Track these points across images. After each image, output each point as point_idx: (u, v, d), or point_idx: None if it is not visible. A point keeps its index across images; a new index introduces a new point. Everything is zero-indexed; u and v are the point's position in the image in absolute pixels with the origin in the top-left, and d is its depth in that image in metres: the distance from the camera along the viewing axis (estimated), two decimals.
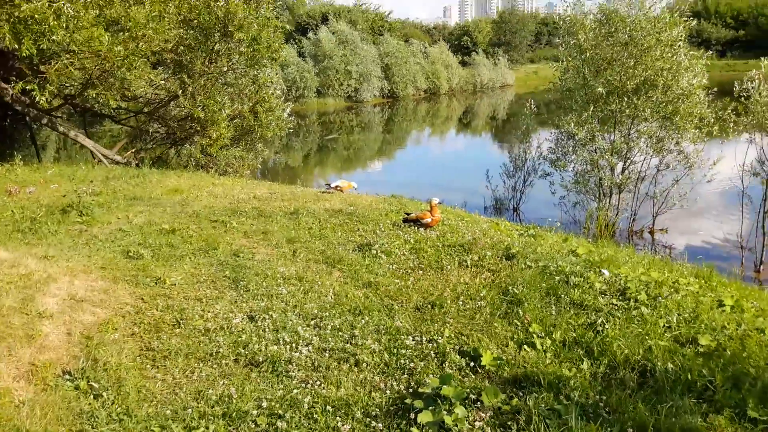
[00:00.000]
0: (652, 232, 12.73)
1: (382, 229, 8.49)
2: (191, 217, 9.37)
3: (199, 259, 7.33)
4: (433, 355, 4.99)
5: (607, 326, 5.28)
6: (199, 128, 15.36)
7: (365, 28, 60.84)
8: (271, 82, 16.84)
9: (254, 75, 16.08)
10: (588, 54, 11.83)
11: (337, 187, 11.44)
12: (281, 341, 5.29)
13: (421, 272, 6.80)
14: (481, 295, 6.02)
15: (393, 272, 6.87)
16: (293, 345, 5.24)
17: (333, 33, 52.48)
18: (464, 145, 34.96)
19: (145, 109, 16.99)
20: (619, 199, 12.66)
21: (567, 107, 12.72)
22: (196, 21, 14.62)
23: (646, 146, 12.06)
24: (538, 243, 8.08)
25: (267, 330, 5.51)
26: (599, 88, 11.56)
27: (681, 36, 11.44)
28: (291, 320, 5.67)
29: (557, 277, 6.31)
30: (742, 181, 11.05)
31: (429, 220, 8.37)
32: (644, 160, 12.40)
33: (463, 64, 67.78)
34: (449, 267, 6.88)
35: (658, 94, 11.63)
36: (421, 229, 8.33)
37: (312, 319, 5.73)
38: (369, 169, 27.15)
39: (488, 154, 30.50)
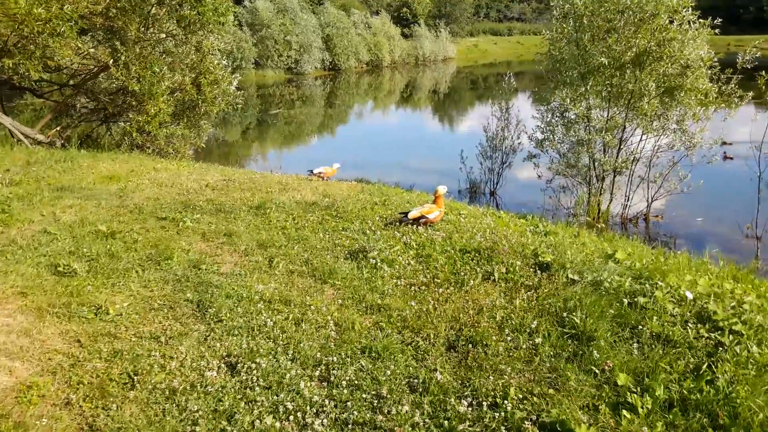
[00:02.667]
0: (647, 219, 11.66)
1: (372, 229, 7.03)
2: (133, 213, 7.70)
3: (149, 274, 5.73)
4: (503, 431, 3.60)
5: (718, 375, 3.98)
6: (134, 103, 13.45)
7: None
8: (218, 50, 14.95)
9: (197, 42, 14.20)
10: (585, 20, 10.54)
11: (319, 173, 9.89)
12: (280, 409, 3.79)
13: (438, 290, 5.38)
14: (531, 326, 4.65)
15: (403, 290, 5.43)
16: (299, 415, 3.75)
17: (271, 1, 49.97)
18: (414, 121, 33.52)
19: (72, 82, 14.89)
20: (613, 183, 11.51)
21: (560, 80, 11.44)
22: None
23: (646, 124, 10.89)
24: (558, 242, 6.77)
25: (256, 387, 4.00)
26: (602, 58, 10.30)
27: (686, 1, 10.27)
28: (287, 370, 4.18)
29: (623, 299, 4.99)
30: (758, 164, 10.03)
31: (436, 214, 6.97)
32: (642, 140, 11.26)
33: (405, 36, 66.06)
34: (472, 282, 5.48)
35: (665, 66, 10.47)
36: (420, 228, 6.92)
37: (315, 367, 4.26)
38: (314, 146, 25.44)
39: (440, 129, 29.21)
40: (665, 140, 11.19)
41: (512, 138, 13.70)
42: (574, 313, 4.71)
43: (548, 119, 12.15)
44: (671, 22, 10.47)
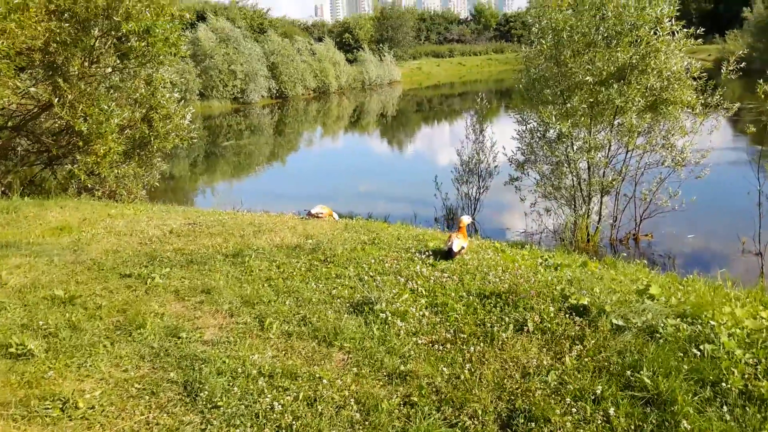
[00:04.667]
0: (636, 239, 11.16)
1: (371, 274, 6.25)
2: (92, 270, 6.75)
3: (120, 348, 4.82)
4: None
5: None
6: (81, 143, 12.38)
7: (245, 26, 57.44)
8: (170, 83, 14.00)
9: (147, 75, 13.24)
10: (564, 35, 10.01)
11: (317, 214, 9.09)
12: None
13: (467, 348, 4.61)
14: (595, 391, 3.92)
15: (425, 350, 4.65)
16: None
17: (213, 31, 48.92)
18: (367, 146, 32.88)
19: (10, 123, 13.72)
20: (601, 204, 10.98)
21: (541, 99, 10.87)
22: (70, 11, 11.67)
23: (632, 140, 10.40)
24: (577, 278, 6.10)
25: None
26: (587, 77, 9.77)
27: (670, 12, 9.85)
28: None
29: (688, 348, 4.31)
30: (758, 179, 9.61)
31: (467, 245, 6.83)
32: (627, 157, 10.77)
33: (350, 61, 65.70)
34: (504, 336, 4.74)
35: (651, 80, 10.01)
36: (425, 270, 6.17)
37: None
38: (268, 177, 24.45)
39: (396, 154, 28.61)
40: (653, 157, 10.73)
41: (488, 161, 13.11)
42: (639, 371, 4.00)
43: (528, 140, 11.59)
44: (655, 32, 10.05)
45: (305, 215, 9.25)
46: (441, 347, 4.68)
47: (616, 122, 10.49)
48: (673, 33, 10.04)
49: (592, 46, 10.06)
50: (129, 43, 12.40)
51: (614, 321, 4.76)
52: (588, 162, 10.45)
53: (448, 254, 6.72)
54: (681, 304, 5.31)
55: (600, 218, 10.91)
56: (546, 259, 7.06)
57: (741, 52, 10.08)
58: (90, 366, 4.54)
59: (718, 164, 10.53)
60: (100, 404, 4.04)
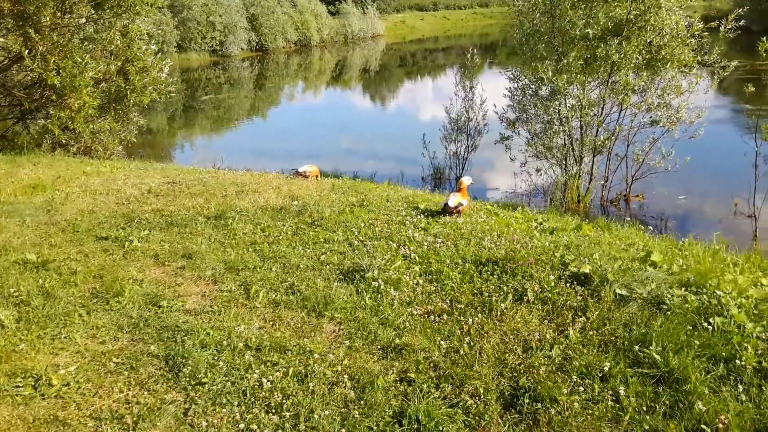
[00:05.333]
0: (627, 200, 10.95)
1: (361, 239, 5.98)
2: (66, 232, 6.43)
3: (97, 318, 4.55)
4: None
5: None
6: (54, 97, 11.89)
7: None
8: (147, 34, 13.42)
9: (122, 27, 12.67)
10: None
11: (304, 172, 8.77)
12: None
13: (465, 320, 4.38)
14: (602, 368, 3.71)
15: (421, 321, 4.41)
16: None
17: None
18: (351, 101, 32.26)
19: None
20: (592, 164, 10.73)
21: (535, 55, 10.49)
22: None
23: (626, 99, 10.09)
24: (574, 243, 5.89)
25: None
26: (588, 30, 9.39)
27: None
28: None
29: (697, 321, 4.11)
30: (755, 139, 9.38)
31: (466, 203, 6.78)
32: (621, 116, 10.49)
33: (332, 14, 64.24)
34: (503, 306, 4.51)
35: (650, 36, 9.68)
36: (417, 235, 5.92)
37: None
38: (248, 132, 23.83)
39: (380, 110, 28.09)
40: (648, 116, 10.46)
41: (477, 119, 12.77)
42: (648, 346, 3.80)
43: (519, 98, 11.25)
44: None
45: (292, 174, 8.93)
46: (437, 318, 4.44)
47: (610, 80, 10.17)
48: None
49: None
50: None
51: (618, 291, 4.55)
52: (581, 121, 10.17)
53: (444, 210, 6.60)
54: (683, 271, 5.12)
55: (591, 179, 10.67)
56: (541, 223, 6.83)
57: (740, 10, 9.76)
58: (65, 338, 4.27)
59: (712, 125, 10.29)
60: (76, 381, 3.78)
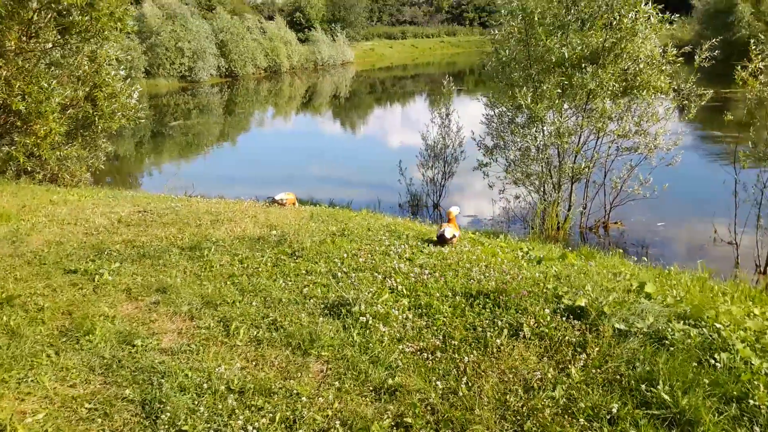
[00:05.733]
0: (606, 227, 10.88)
1: (344, 270, 5.76)
2: (33, 265, 6.10)
3: (67, 359, 4.24)
4: None
5: None
6: (19, 123, 11.51)
7: (193, 3, 55.62)
8: (116, 60, 13.12)
9: (91, 52, 12.36)
10: (536, 16, 9.56)
11: (281, 200, 8.55)
12: None
13: (461, 358, 4.17)
14: (610, 409, 3.51)
15: (414, 360, 4.19)
16: None
17: (159, 7, 47.18)
18: (321, 128, 32.07)
19: None
20: (571, 191, 10.66)
21: (511, 83, 10.42)
22: None
23: (603, 126, 10.06)
24: (564, 273, 5.74)
25: None
26: (564, 52, 9.31)
27: None
28: None
29: (702, 357, 3.95)
30: (734, 166, 9.38)
31: (458, 234, 6.75)
32: (598, 143, 10.45)
33: (301, 41, 64.28)
34: (499, 342, 4.31)
35: (625, 64, 9.68)
36: (403, 265, 5.71)
37: None
38: (218, 159, 23.41)
39: (352, 137, 27.92)
40: (625, 143, 10.45)
41: (453, 146, 12.67)
42: (655, 386, 3.63)
43: (496, 125, 11.17)
44: (631, 15, 9.69)
45: (268, 202, 8.70)
46: (431, 356, 4.22)
47: (587, 107, 10.15)
48: (650, 16, 9.72)
49: (565, 27, 9.65)
50: (71, 17, 11.53)
51: (616, 325, 4.38)
52: (558, 149, 10.11)
53: (439, 240, 6.58)
54: (678, 303, 4.98)
55: (570, 206, 10.59)
56: (527, 252, 6.68)
57: (714, 40, 9.84)
58: (32, 381, 3.96)
59: (690, 152, 10.32)
60: (44, 430, 3.48)
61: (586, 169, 10.21)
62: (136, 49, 42.98)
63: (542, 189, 10.75)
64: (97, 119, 12.75)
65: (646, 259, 9.30)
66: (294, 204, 8.74)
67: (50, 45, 12.11)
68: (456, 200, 13.25)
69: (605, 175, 10.86)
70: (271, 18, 66.72)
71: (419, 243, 6.58)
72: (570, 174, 10.22)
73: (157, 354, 4.35)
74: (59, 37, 12.03)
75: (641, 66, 9.77)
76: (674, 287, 5.96)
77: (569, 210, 10.55)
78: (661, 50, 9.85)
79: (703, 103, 10.22)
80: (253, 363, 4.23)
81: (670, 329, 4.26)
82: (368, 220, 7.87)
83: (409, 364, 4.12)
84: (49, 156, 11.66)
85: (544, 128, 10.11)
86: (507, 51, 10.11)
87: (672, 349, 4.05)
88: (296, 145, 24.64)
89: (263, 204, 8.83)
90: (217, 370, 4.09)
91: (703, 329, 4.39)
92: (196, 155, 24.53)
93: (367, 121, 33.66)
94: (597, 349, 4.15)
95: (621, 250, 9.00)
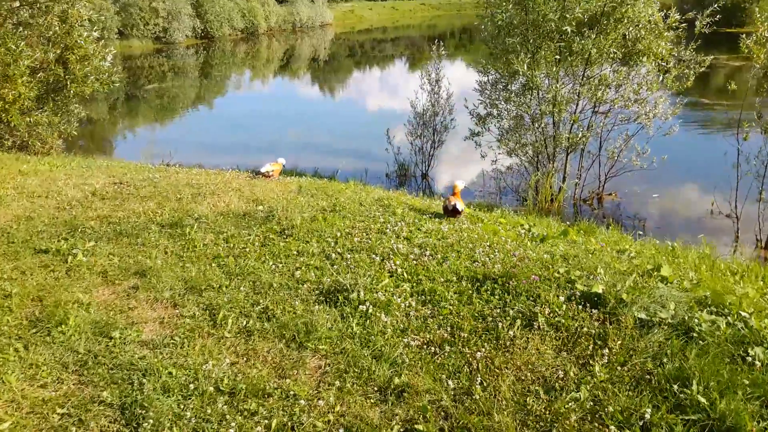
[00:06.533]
0: (600, 198, 10.56)
1: (339, 251, 5.37)
2: (0, 243, 5.62)
3: (36, 354, 3.84)
4: None
5: None
6: None
7: None
8: (89, 20, 12.43)
9: (62, 11, 11.68)
10: None
11: (267, 172, 8.12)
12: None
13: (471, 352, 3.83)
14: (643, 415, 3.18)
15: (420, 355, 3.83)
16: None
17: None
18: (302, 92, 31.32)
19: None
20: (566, 162, 10.28)
21: (507, 48, 9.94)
22: None
23: (603, 94, 9.66)
24: (571, 252, 5.41)
25: None
26: (566, 27, 8.86)
27: None
28: None
29: (734, 352, 3.64)
30: (737, 137, 9.06)
31: (462, 208, 6.54)
32: (595, 112, 10.05)
33: (279, 1, 62.88)
34: (512, 333, 3.97)
35: (625, 29, 9.25)
36: (401, 246, 5.33)
37: None
38: (197, 124, 22.66)
39: (341, 104, 27.20)
40: (623, 112, 10.06)
41: (444, 113, 12.21)
42: (688, 386, 3.31)
43: (489, 93, 10.73)
44: None
45: (253, 175, 8.27)
46: (438, 350, 3.87)
47: (585, 74, 9.72)
48: None
49: None
50: None
51: (637, 314, 4.06)
52: (554, 117, 9.71)
53: (451, 213, 6.48)
54: (695, 287, 4.68)
55: (565, 177, 10.23)
56: (529, 229, 6.35)
57: (716, 5, 9.42)
58: None
59: (677, 120, 9.98)
60: None
61: (583, 139, 9.83)
62: (108, 9, 41.65)
63: (536, 160, 10.38)
64: (68, 83, 12.15)
65: (642, 233, 9.06)
66: (280, 172, 8.34)
67: (18, 4, 11.43)
68: (445, 170, 12.86)
69: (600, 146, 10.51)
70: None
71: (416, 220, 6.21)
72: (566, 144, 9.84)
73: (137, 348, 3.95)
74: None
75: (642, 32, 9.34)
76: (682, 266, 5.68)
77: (563, 181, 10.20)
78: (663, 15, 9.41)
79: (702, 69, 9.87)
80: (244, 358, 3.85)
81: (696, 320, 3.94)
82: (359, 193, 7.47)
83: (416, 360, 3.76)
84: (18, 122, 11.07)
85: (540, 93, 9.68)
86: (504, 15, 9.62)
87: (701, 342, 3.74)
88: (276, 110, 24.02)
89: (246, 175, 8.38)
90: (204, 367, 3.71)
91: (728, 318, 4.09)
92: (172, 120, 23.81)
93: (348, 86, 33.00)
94: (619, 342, 3.82)
95: (615, 223, 8.75)
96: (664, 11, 9.44)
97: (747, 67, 24.49)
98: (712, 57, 9.87)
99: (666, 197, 10.46)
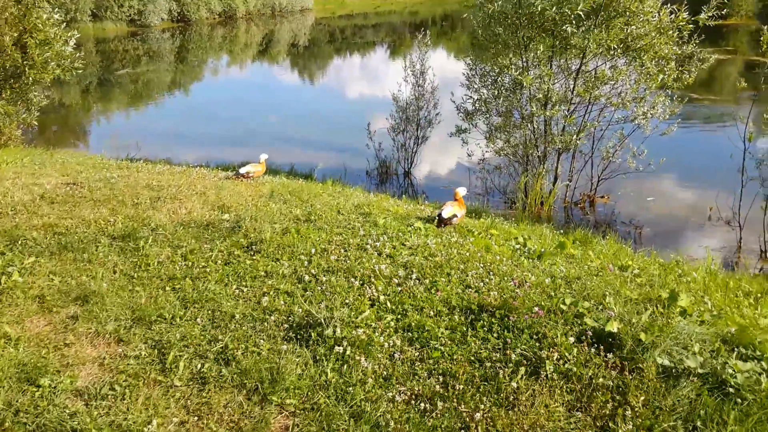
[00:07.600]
0: (593, 201, 9.96)
1: (313, 272, 4.71)
2: None
3: None
4: None
5: None
6: None
7: None
8: (47, 2, 11.58)
9: None
10: None
11: (247, 174, 7.49)
12: None
13: (469, 411, 3.21)
14: None
15: (409, 413, 3.22)
16: None
17: None
18: (283, 81, 30.39)
19: None
20: (557, 163, 9.66)
21: (498, 41, 9.27)
22: None
23: (600, 94, 9.03)
24: (573, 274, 4.81)
25: None
26: (566, 26, 8.13)
27: None
28: None
29: None
30: (744, 139, 8.48)
31: (463, 213, 6.16)
32: (588, 110, 9.43)
33: None
34: (514, 384, 3.36)
35: (630, 24, 8.61)
36: (383, 266, 4.69)
37: None
38: (168, 112, 21.69)
39: (320, 93, 26.36)
40: (619, 113, 9.45)
41: (428, 108, 11.52)
42: None
43: (477, 86, 10.05)
44: None
45: (233, 177, 7.60)
46: (429, 406, 3.25)
47: (581, 68, 9.09)
48: None
49: None
50: None
51: (660, 361, 3.47)
52: (545, 116, 9.07)
53: (438, 222, 5.94)
54: (716, 319, 4.12)
55: (556, 179, 9.62)
56: (524, 243, 5.74)
57: None
58: None
59: (678, 118, 9.42)
60: None
61: (580, 140, 9.19)
62: None
63: (526, 160, 9.76)
64: (27, 69, 11.29)
65: (639, 241, 8.52)
66: (261, 174, 7.73)
67: None
68: (428, 169, 12.21)
69: (593, 146, 9.90)
70: None
71: (399, 233, 5.56)
72: (558, 145, 9.21)
73: (69, 399, 3.30)
74: None
75: (646, 28, 8.68)
76: (693, 288, 5.13)
77: (554, 184, 9.59)
78: (670, 12, 8.77)
79: (703, 67, 9.31)
80: (196, 416, 3.21)
81: (730, 369, 3.36)
82: (337, 198, 6.82)
83: (402, 421, 3.14)
84: None
85: (531, 91, 9.05)
86: (496, 4, 8.92)
87: (738, 399, 3.16)
88: (253, 99, 23.15)
89: (215, 175, 7.69)
90: (147, 429, 3.06)
91: (762, 363, 3.53)
92: (145, 107, 22.86)
93: (328, 73, 32.14)
94: (642, 398, 3.23)
95: (609, 229, 8.22)
96: (671, 9, 8.79)
97: (732, 60, 24.20)
98: (713, 56, 9.29)
99: (661, 200, 9.91)
